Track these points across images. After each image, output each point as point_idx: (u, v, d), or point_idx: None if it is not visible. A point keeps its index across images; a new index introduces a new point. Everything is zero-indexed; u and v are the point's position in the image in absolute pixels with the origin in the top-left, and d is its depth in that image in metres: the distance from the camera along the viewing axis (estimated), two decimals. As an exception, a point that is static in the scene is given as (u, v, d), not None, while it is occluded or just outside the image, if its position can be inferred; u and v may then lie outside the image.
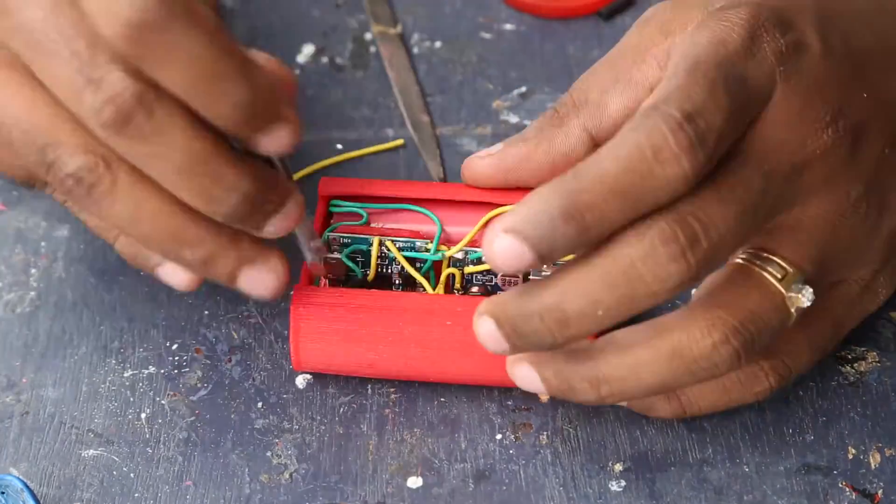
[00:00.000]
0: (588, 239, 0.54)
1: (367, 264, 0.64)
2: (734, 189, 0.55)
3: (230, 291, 0.68)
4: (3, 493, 0.59)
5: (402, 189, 0.66)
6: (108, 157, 0.56)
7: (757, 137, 0.57)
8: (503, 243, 0.54)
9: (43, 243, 0.70)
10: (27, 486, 0.59)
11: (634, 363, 0.57)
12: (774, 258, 0.58)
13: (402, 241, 0.64)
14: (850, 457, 0.62)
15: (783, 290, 0.57)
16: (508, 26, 0.80)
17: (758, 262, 0.58)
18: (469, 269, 0.64)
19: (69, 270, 0.69)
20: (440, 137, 0.75)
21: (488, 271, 0.64)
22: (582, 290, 0.55)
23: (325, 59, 0.78)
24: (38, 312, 0.68)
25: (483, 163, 0.64)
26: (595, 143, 0.63)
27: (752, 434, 0.63)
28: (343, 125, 0.75)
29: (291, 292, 0.63)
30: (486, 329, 0.56)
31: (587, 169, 0.54)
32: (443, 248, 0.64)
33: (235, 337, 0.67)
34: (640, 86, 0.62)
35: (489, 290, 0.64)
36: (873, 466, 0.62)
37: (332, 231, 0.65)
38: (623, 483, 0.62)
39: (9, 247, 0.70)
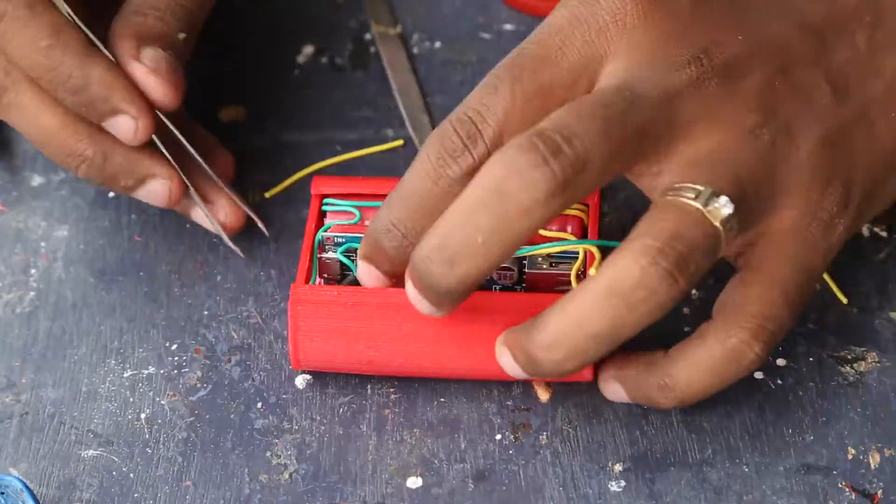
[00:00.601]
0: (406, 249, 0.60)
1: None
2: (592, 107, 0.57)
3: (230, 292, 0.68)
4: (2, 493, 0.59)
5: (394, 186, 0.66)
6: (9, 69, 0.66)
7: (610, 72, 0.59)
8: (361, 267, 0.61)
9: (43, 243, 0.70)
10: (27, 487, 0.59)
11: (578, 313, 0.57)
12: (686, 184, 0.58)
13: None
14: (850, 457, 0.62)
15: (700, 206, 0.57)
16: (508, 26, 0.80)
17: (670, 193, 0.58)
18: None
19: (69, 270, 0.69)
20: (440, 137, 0.75)
21: None
22: (458, 220, 0.56)
23: (325, 59, 0.78)
24: (38, 312, 0.68)
25: None
26: None
27: (752, 434, 0.63)
28: (343, 125, 0.75)
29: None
30: (409, 292, 0.59)
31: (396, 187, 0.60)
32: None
33: (235, 337, 0.67)
34: None
35: (483, 285, 0.64)
36: (873, 467, 0.62)
37: (325, 231, 0.65)
38: (623, 483, 0.62)
39: (9, 247, 0.70)
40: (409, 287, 0.59)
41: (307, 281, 0.64)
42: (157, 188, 0.68)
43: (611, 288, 0.56)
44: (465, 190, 0.57)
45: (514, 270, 0.64)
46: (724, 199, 0.57)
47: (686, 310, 0.67)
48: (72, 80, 0.64)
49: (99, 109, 0.65)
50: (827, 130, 0.61)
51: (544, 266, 0.64)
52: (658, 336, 0.66)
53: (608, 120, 0.57)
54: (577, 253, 0.63)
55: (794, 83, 0.61)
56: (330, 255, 0.65)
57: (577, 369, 0.58)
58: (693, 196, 0.57)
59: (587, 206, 0.66)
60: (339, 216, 0.66)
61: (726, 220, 0.57)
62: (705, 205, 0.57)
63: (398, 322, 0.62)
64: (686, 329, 0.67)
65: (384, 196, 0.64)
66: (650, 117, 0.58)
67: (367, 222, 0.65)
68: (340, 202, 0.66)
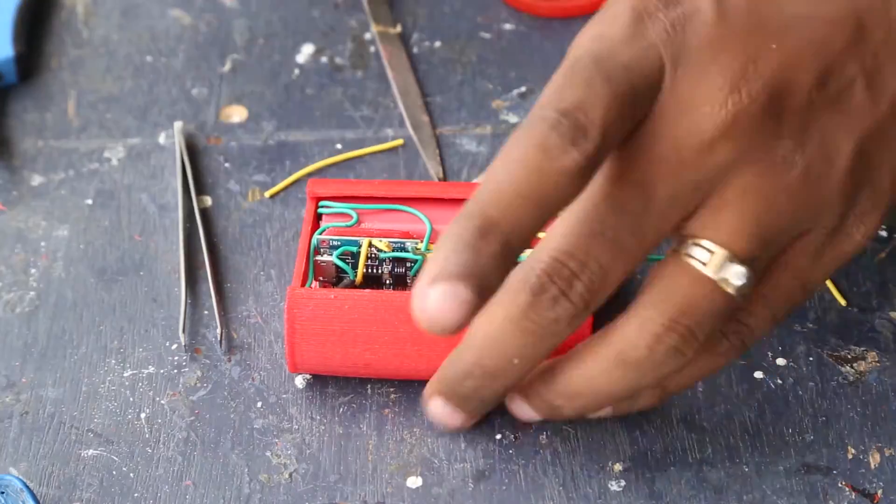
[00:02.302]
0: (512, 250, 0.53)
1: (357, 265, 0.64)
2: (632, 202, 0.55)
3: (230, 292, 0.68)
4: (2, 493, 0.59)
5: (391, 189, 0.66)
6: None
7: (652, 134, 0.55)
8: (435, 295, 0.52)
9: (43, 243, 0.70)
10: (27, 486, 0.59)
11: (589, 376, 0.57)
12: (699, 242, 0.55)
13: (391, 242, 0.64)
14: (850, 457, 0.62)
15: (711, 274, 0.55)
16: (508, 26, 0.80)
17: (683, 250, 0.56)
18: None
19: (69, 270, 0.69)
20: (440, 137, 0.75)
21: None
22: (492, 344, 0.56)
23: (324, 59, 0.78)
24: (38, 312, 0.68)
25: None
26: None
27: (752, 434, 0.63)
28: (343, 125, 0.75)
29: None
30: (436, 408, 0.59)
31: (483, 188, 0.54)
32: (433, 247, 0.64)
33: (235, 337, 0.67)
34: None
35: None
36: (873, 466, 0.62)
37: (320, 234, 0.65)
38: (623, 483, 0.62)
39: (9, 247, 0.70)
40: (438, 404, 0.59)
41: (303, 284, 0.64)
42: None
43: (620, 358, 0.56)
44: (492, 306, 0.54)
45: None
46: (737, 269, 0.55)
47: (686, 310, 0.67)
48: None
49: None
50: (861, 137, 0.57)
51: None
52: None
53: (645, 218, 0.55)
54: None
55: (830, 88, 0.56)
56: (326, 258, 0.65)
57: (598, 411, 0.60)
58: (705, 260, 0.55)
59: None
60: (335, 218, 0.66)
61: (739, 289, 0.56)
62: (717, 272, 0.55)
63: (395, 325, 0.62)
64: (686, 329, 0.67)
65: (381, 199, 0.65)
66: (693, 187, 0.55)
67: (363, 225, 0.65)
68: (336, 205, 0.66)
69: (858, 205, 0.58)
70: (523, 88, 0.77)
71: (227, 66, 0.78)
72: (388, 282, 0.65)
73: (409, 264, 0.64)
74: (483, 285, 0.53)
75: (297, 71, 0.78)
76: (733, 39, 0.55)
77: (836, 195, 0.57)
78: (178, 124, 0.75)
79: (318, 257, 0.65)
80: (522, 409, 0.60)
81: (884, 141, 0.57)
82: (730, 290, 0.55)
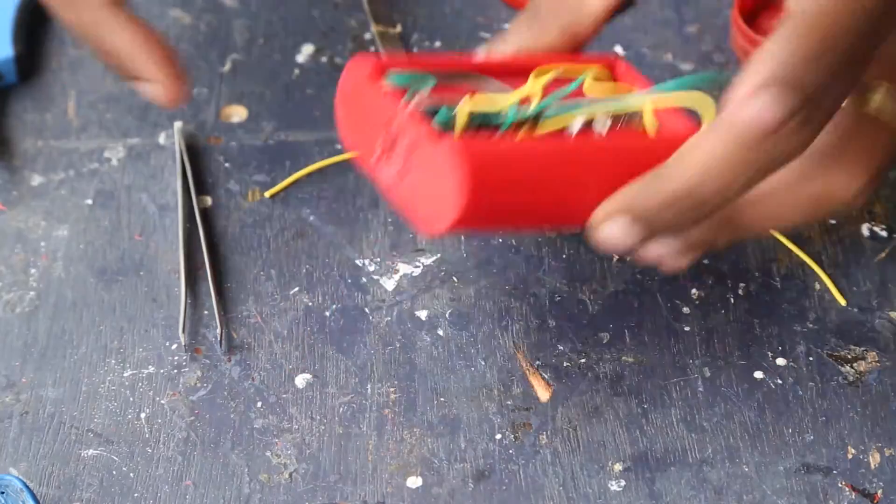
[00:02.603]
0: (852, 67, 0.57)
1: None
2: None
3: (230, 292, 0.68)
4: (2, 493, 0.59)
5: (444, 61, 0.63)
6: None
7: None
8: (768, 95, 0.54)
9: (43, 243, 0.70)
10: (27, 486, 0.59)
11: (780, 209, 0.60)
12: (881, 91, 0.60)
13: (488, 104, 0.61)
14: (850, 457, 0.62)
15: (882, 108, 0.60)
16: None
17: (872, 97, 0.60)
18: (543, 126, 0.60)
19: (69, 270, 0.69)
20: (440, 137, 0.75)
21: (558, 130, 0.61)
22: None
23: (324, 59, 0.78)
24: (38, 312, 0.68)
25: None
26: (575, 39, 0.65)
27: (752, 434, 0.63)
28: (343, 125, 0.75)
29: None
30: (616, 229, 0.57)
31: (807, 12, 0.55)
32: (522, 107, 0.61)
33: (235, 337, 0.67)
34: None
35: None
36: (873, 466, 0.62)
37: (411, 99, 0.59)
38: (623, 483, 0.62)
39: (9, 247, 0.70)
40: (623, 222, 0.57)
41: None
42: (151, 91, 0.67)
43: (829, 200, 0.61)
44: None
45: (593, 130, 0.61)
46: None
47: (686, 309, 0.67)
48: None
49: None
50: None
51: (619, 124, 0.61)
52: (656, 335, 0.67)
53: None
54: (640, 111, 0.62)
55: None
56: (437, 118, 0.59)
57: None
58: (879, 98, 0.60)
59: (611, 67, 0.65)
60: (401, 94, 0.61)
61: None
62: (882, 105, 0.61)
63: (565, 169, 0.59)
64: (686, 328, 0.67)
65: (447, 70, 0.61)
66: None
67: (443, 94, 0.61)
68: (411, 71, 0.61)
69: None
70: (523, 88, 0.76)
71: (227, 66, 0.78)
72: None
73: (493, 130, 0.60)
74: (813, 99, 0.56)
75: (297, 71, 0.78)
76: None
77: None
78: (178, 124, 0.75)
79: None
80: (616, 231, 0.58)
81: None
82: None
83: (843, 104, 0.59)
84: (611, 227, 0.57)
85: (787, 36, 0.55)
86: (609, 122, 0.61)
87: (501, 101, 0.61)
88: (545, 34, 0.65)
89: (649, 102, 0.61)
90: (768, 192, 0.60)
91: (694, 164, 0.56)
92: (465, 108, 0.59)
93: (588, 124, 0.61)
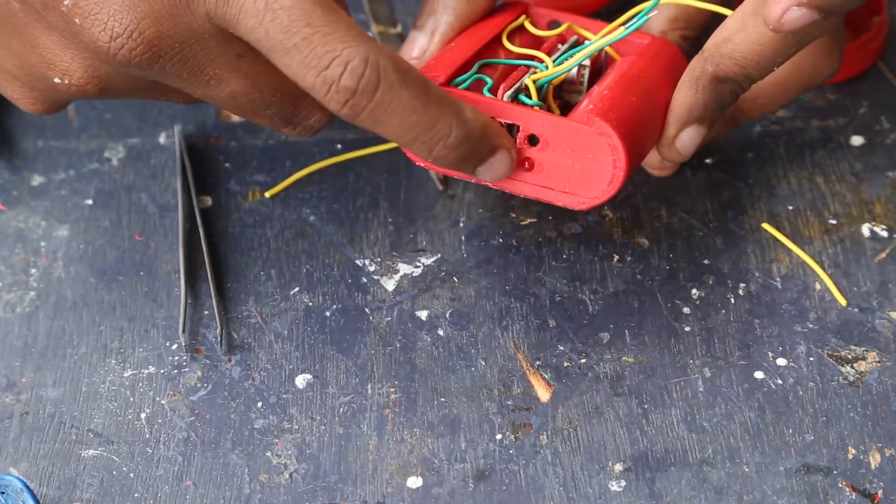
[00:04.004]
0: None
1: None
2: None
3: (230, 292, 0.68)
4: (3, 493, 0.59)
5: (457, 53, 0.66)
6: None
7: None
8: (794, 15, 0.61)
9: (43, 243, 0.70)
10: (27, 486, 0.59)
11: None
12: None
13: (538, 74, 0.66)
14: (850, 457, 0.62)
15: None
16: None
17: None
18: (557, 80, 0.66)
19: (69, 270, 0.69)
20: (440, 137, 0.75)
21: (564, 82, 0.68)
22: None
23: (325, 59, 0.78)
24: (38, 312, 0.68)
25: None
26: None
27: (752, 434, 0.63)
28: (343, 125, 0.75)
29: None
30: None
31: None
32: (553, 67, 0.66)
33: (235, 337, 0.67)
34: None
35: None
36: (873, 466, 0.62)
37: (498, 94, 0.65)
38: (623, 483, 0.62)
39: (9, 247, 0.70)
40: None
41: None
42: (502, 160, 0.63)
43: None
44: None
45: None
46: None
47: (686, 309, 0.67)
48: (452, 136, 0.59)
49: (480, 153, 0.61)
50: None
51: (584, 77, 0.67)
52: (656, 335, 0.67)
53: None
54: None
55: None
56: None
57: None
58: None
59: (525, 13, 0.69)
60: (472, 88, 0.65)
61: None
62: None
63: (653, 79, 0.65)
64: (686, 328, 0.67)
65: (470, 59, 0.66)
66: None
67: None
68: (465, 76, 0.65)
69: None
70: (523, 88, 0.77)
71: (227, 66, 0.78)
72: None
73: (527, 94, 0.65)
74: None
75: (297, 71, 0.78)
76: None
77: None
78: (177, 124, 0.75)
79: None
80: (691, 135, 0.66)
81: None
82: None
83: None
84: (687, 135, 0.65)
85: None
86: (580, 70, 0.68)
87: (549, 64, 0.66)
88: None
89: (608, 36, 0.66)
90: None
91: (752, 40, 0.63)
92: (537, 82, 0.65)
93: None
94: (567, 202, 0.63)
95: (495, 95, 0.64)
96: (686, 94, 0.65)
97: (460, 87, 0.64)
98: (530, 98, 0.64)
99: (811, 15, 0.61)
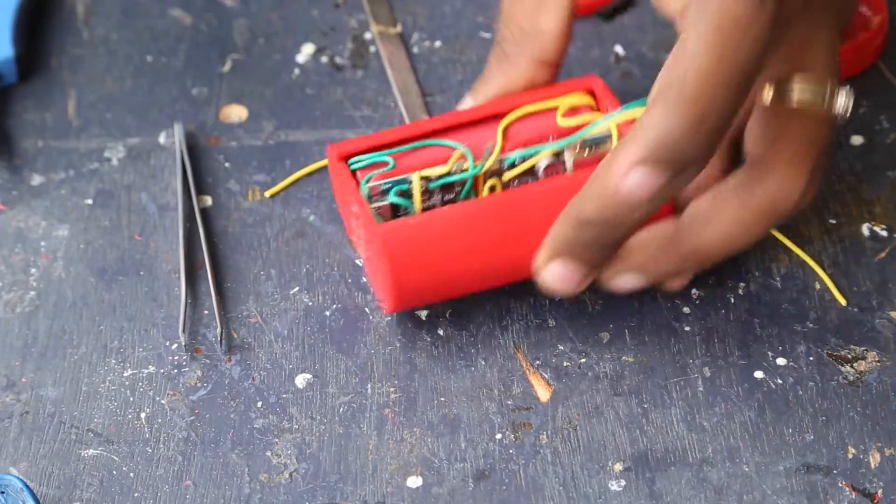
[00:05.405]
0: (715, 139, 0.56)
1: (414, 199, 0.65)
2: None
3: (229, 292, 0.68)
4: (3, 492, 0.59)
5: (408, 130, 0.67)
6: None
7: None
8: (637, 176, 0.57)
9: (43, 243, 0.70)
10: (27, 486, 0.59)
11: (731, 234, 0.61)
12: (802, 80, 0.60)
13: (437, 169, 0.65)
14: (850, 456, 0.62)
15: (826, 107, 0.60)
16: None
17: (793, 97, 0.60)
18: (507, 174, 0.65)
19: (69, 270, 0.69)
20: (440, 137, 0.75)
21: (527, 172, 0.65)
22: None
23: (324, 59, 0.78)
24: (38, 312, 0.68)
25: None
26: (545, 64, 0.66)
27: (752, 434, 0.63)
28: (343, 125, 0.75)
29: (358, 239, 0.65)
30: (553, 271, 0.62)
31: (686, 75, 0.56)
32: (476, 163, 0.65)
33: (235, 337, 0.67)
34: None
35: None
36: (873, 466, 0.62)
37: (367, 182, 0.65)
38: (623, 483, 0.62)
39: (9, 246, 0.70)
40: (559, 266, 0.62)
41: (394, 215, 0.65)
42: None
43: (771, 213, 0.61)
44: None
45: (558, 164, 0.65)
46: (843, 90, 0.59)
47: (686, 309, 0.67)
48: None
49: None
50: None
51: (585, 154, 0.66)
52: (656, 335, 0.66)
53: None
54: (609, 133, 0.65)
55: None
56: (380, 203, 0.65)
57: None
58: (820, 98, 0.59)
59: (591, 91, 0.68)
60: (368, 171, 0.66)
61: (847, 109, 0.60)
62: (834, 106, 0.60)
63: (486, 229, 0.63)
64: (686, 328, 0.67)
65: (407, 140, 0.66)
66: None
67: (405, 165, 0.66)
68: (368, 156, 0.66)
69: None
70: (523, 88, 0.77)
71: (227, 66, 0.78)
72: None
73: (457, 188, 0.65)
74: (682, 174, 0.57)
75: (297, 71, 0.78)
76: None
77: None
78: (178, 124, 0.75)
79: (374, 205, 0.65)
80: (628, 282, 0.63)
81: None
82: (840, 113, 0.60)
83: (765, 104, 0.60)
84: (550, 271, 0.62)
85: (663, 109, 0.56)
86: (574, 156, 0.65)
87: (454, 160, 0.65)
88: (515, 69, 0.67)
89: (613, 126, 0.64)
90: (714, 214, 0.61)
91: (597, 184, 0.59)
92: (416, 181, 0.65)
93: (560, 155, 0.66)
94: (378, 296, 0.66)
95: (366, 181, 0.65)
96: (555, 225, 0.62)
97: (353, 166, 0.66)
98: (406, 195, 0.65)
99: (658, 177, 0.57)
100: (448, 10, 0.81)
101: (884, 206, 0.71)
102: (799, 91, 0.60)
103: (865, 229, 0.70)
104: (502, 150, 0.66)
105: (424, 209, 0.65)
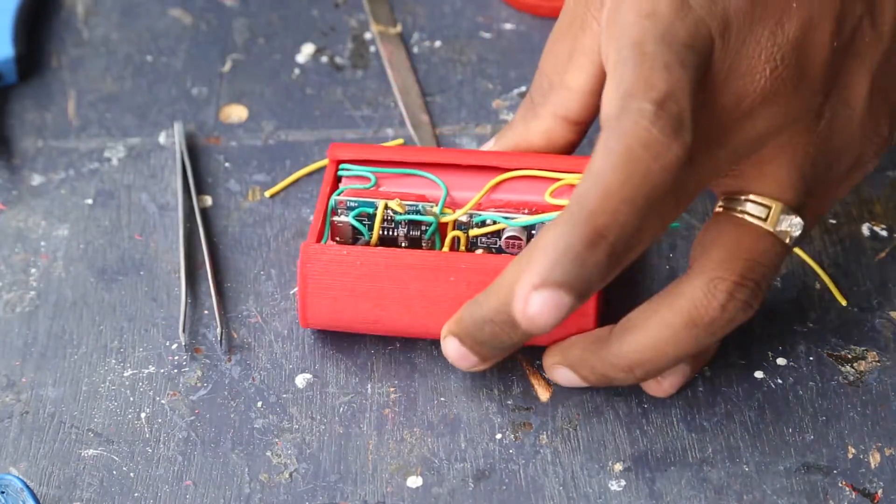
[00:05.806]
0: (619, 259, 0.54)
1: (373, 227, 0.65)
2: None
3: (229, 292, 0.68)
4: (3, 492, 0.59)
5: (410, 154, 0.67)
6: None
7: (706, 109, 0.56)
8: (539, 300, 0.54)
9: (43, 243, 0.70)
10: (27, 486, 0.59)
11: (656, 342, 0.59)
12: (751, 198, 0.59)
13: (407, 205, 0.65)
14: (850, 456, 0.62)
15: (771, 228, 0.58)
16: (508, 26, 0.80)
17: (737, 208, 0.59)
18: (474, 231, 0.65)
19: (69, 270, 0.69)
20: (440, 137, 0.75)
21: (493, 234, 0.65)
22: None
23: (324, 59, 0.78)
24: (38, 312, 0.68)
25: None
26: (568, 121, 0.64)
27: (752, 434, 0.63)
28: (343, 125, 0.75)
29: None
30: (451, 348, 0.60)
31: (589, 191, 0.54)
32: (448, 210, 0.65)
33: (235, 337, 0.67)
34: (592, 52, 0.62)
35: (493, 253, 0.65)
36: (873, 466, 0.62)
37: (338, 195, 0.66)
38: (623, 483, 0.62)
39: (9, 246, 0.70)
40: (456, 345, 0.60)
41: (318, 241, 0.64)
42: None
43: (691, 322, 0.58)
44: None
45: (522, 240, 0.64)
46: (793, 220, 0.58)
47: (686, 309, 0.67)
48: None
49: None
50: (874, 73, 0.59)
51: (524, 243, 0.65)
52: (658, 336, 0.66)
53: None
54: None
55: (845, 34, 0.59)
56: (342, 218, 0.65)
57: (651, 378, 0.62)
58: (763, 216, 0.58)
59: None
60: (354, 181, 0.67)
61: (795, 239, 0.59)
62: (776, 225, 0.58)
63: (405, 282, 0.63)
64: (686, 329, 0.67)
65: (399, 163, 0.66)
66: (734, 152, 0.58)
67: (381, 188, 0.66)
68: (356, 168, 0.67)
69: (878, 133, 0.60)
70: (523, 88, 0.77)
71: (227, 66, 0.78)
72: (403, 244, 0.65)
73: (423, 227, 0.65)
74: (585, 292, 0.54)
75: (297, 71, 0.78)
76: (762, 3, 0.57)
77: (859, 134, 0.60)
78: (178, 124, 0.75)
79: (336, 218, 0.65)
80: (566, 377, 0.62)
81: (890, 66, 0.60)
82: (787, 241, 0.58)
83: (716, 211, 0.60)
84: (448, 346, 0.60)
85: (562, 230, 0.54)
86: (512, 239, 0.64)
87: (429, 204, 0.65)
88: (537, 120, 0.66)
89: None
90: (642, 320, 0.60)
91: (503, 283, 0.56)
92: (381, 209, 0.65)
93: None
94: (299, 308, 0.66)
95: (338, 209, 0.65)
96: (464, 306, 0.60)
97: (340, 173, 0.66)
98: (370, 219, 0.65)
99: (559, 299, 0.54)
100: (448, 10, 0.81)
101: (884, 206, 0.71)
102: (742, 204, 0.59)
103: (865, 229, 0.70)
104: (479, 206, 0.65)
105: (381, 239, 0.65)
